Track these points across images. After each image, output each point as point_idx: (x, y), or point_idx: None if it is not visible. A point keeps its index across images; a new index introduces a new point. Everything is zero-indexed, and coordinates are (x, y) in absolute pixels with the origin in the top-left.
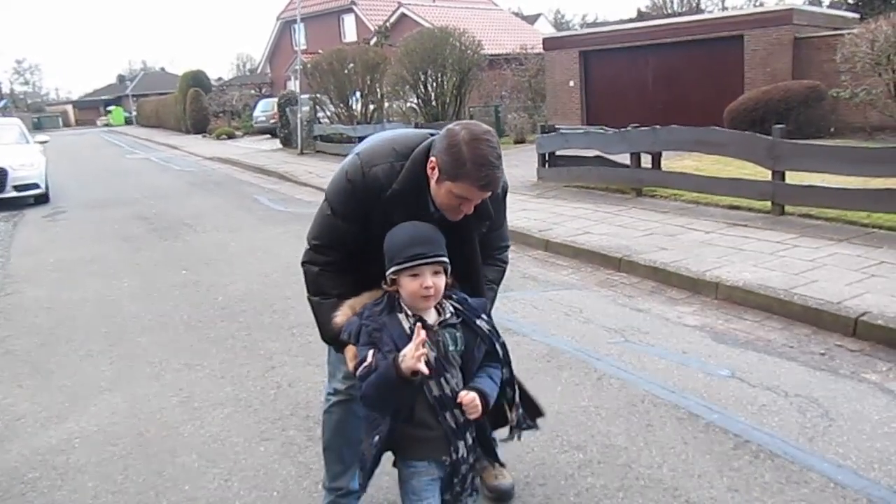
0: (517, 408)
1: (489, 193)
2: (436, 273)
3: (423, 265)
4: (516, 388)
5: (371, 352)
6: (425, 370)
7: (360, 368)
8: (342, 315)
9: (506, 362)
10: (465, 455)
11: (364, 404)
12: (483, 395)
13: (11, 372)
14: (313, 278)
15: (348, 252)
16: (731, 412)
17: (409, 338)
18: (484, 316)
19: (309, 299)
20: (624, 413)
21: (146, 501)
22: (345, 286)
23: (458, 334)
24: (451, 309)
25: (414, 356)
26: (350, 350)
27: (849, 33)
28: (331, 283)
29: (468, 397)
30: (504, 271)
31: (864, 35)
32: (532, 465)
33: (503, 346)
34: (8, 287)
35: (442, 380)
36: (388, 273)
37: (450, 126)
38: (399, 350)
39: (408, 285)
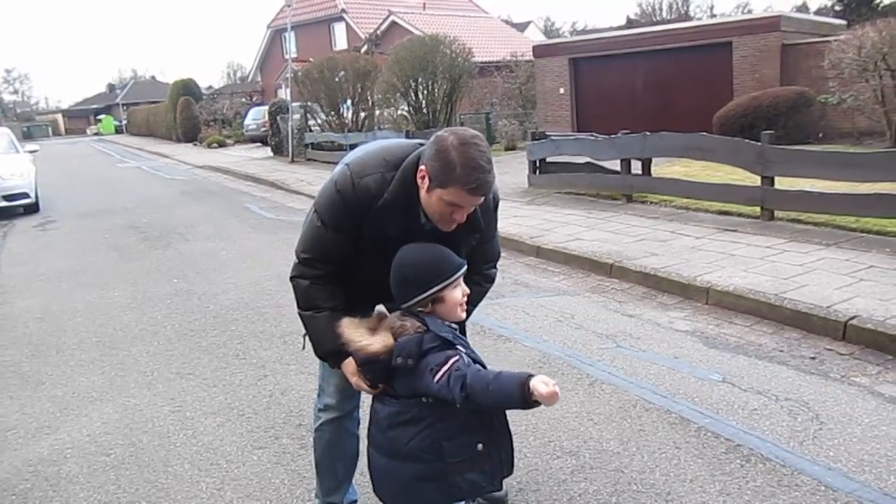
0: None
1: (481, 199)
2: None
3: (461, 273)
4: None
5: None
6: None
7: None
8: (380, 344)
9: None
10: None
11: (467, 397)
12: None
13: (2, 383)
14: (304, 292)
15: (338, 264)
16: (723, 416)
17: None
18: None
19: (300, 315)
20: (616, 418)
21: None
22: (337, 298)
23: None
24: None
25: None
26: (349, 364)
27: (836, 40)
28: (323, 296)
29: None
30: (486, 292)
31: (851, 41)
32: (525, 471)
33: None
34: None
35: None
36: (429, 294)
37: (438, 133)
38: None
39: (452, 296)
